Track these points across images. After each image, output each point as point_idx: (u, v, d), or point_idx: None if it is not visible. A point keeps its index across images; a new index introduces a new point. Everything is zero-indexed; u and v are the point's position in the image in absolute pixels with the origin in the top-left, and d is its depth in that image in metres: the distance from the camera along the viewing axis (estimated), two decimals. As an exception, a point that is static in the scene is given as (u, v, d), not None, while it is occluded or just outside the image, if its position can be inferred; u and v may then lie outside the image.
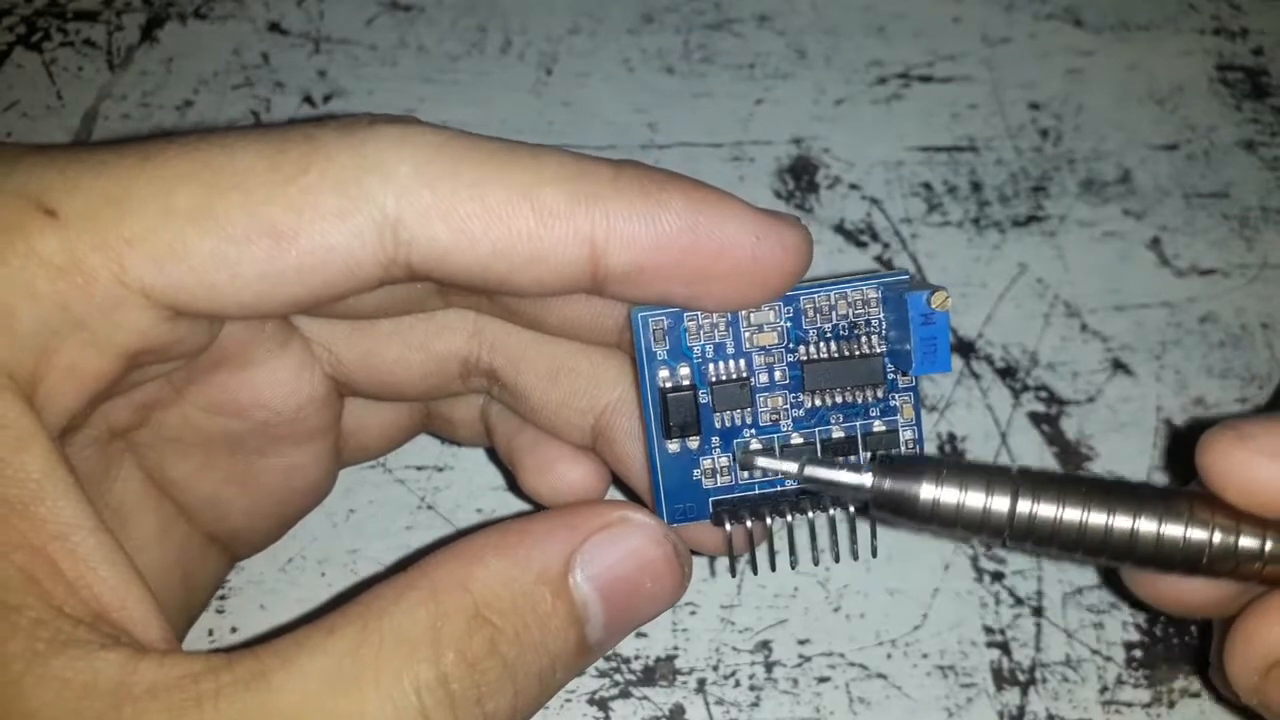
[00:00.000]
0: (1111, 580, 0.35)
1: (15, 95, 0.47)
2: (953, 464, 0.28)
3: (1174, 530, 0.27)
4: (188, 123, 0.47)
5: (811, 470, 0.28)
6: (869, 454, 0.29)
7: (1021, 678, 0.36)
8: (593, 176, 0.25)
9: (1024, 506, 0.27)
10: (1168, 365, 0.42)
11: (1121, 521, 0.27)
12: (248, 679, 0.22)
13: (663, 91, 0.49)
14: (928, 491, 0.27)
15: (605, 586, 0.26)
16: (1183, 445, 0.40)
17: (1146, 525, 0.27)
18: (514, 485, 0.38)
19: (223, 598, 0.36)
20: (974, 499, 0.27)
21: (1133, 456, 0.40)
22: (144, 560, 0.24)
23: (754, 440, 0.29)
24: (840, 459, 0.29)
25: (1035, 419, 0.41)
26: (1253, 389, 0.42)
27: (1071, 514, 0.28)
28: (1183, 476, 0.39)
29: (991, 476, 0.28)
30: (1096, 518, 0.27)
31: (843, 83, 0.49)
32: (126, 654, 0.22)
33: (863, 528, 0.30)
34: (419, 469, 0.39)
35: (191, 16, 0.50)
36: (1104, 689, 0.36)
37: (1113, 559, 0.28)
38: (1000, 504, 0.28)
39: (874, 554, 0.30)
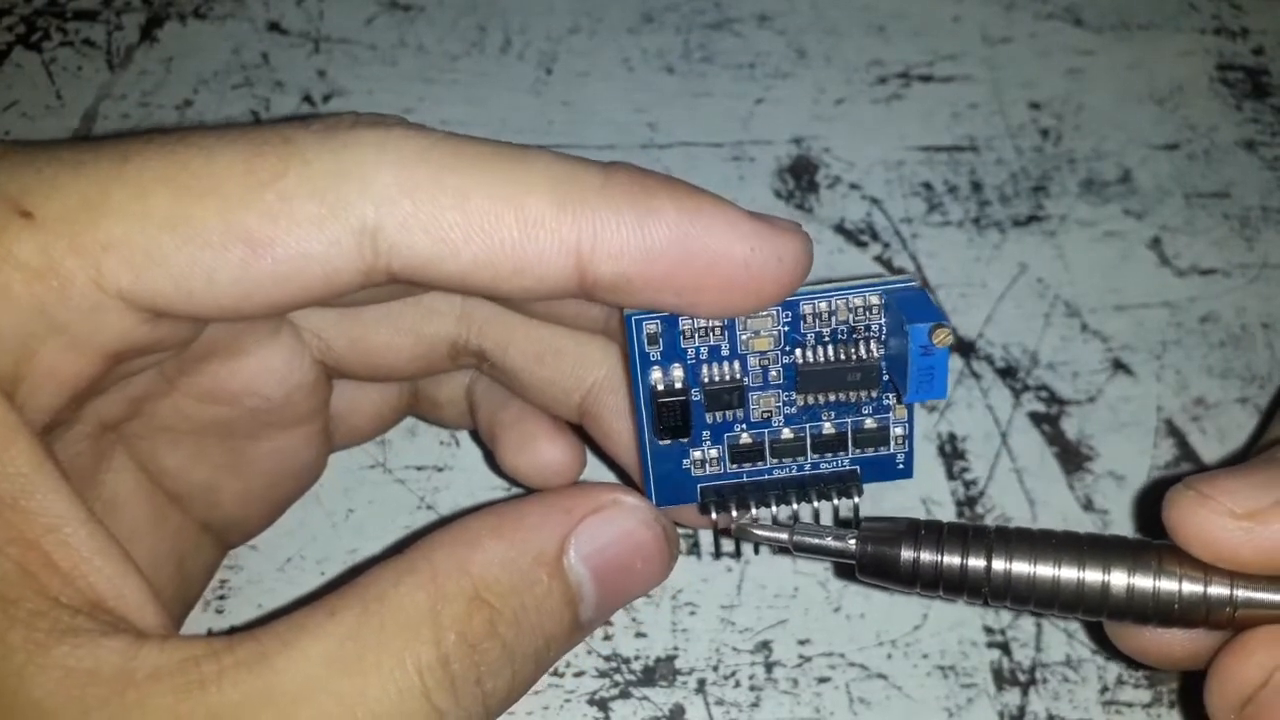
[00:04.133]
0: (1101, 639, 0.35)
1: (15, 95, 0.47)
2: (930, 525, 0.30)
3: (1144, 582, 0.28)
4: (187, 123, 0.47)
5: (800, 538, 0.30)
6: (853, 516, 0.30)
7: (1022, 678, 0.36)
8: (580, 182, 0.24)
9: (999, 564, 0.29)
10: (1168, 365, 0.42)
11: (1093, 575, 0.29)
12: (249, 661, 0.22)
13: (663, 91, 0.49)
14: (907, 554, 0.29)
15: (598, 568, 0.26)
16: (1153, 501, 0.39)
17: (1117, 578, 0.29)
18: (493, 464, 0.38)
19: (221, 598, 0.36)
20: (951, 559, 0.29)
21: (1133, 456, 0.40)
22: (138, 550, 0.25)
23: (744, 434, 0.29)
24: (826, 527, 0.30)
25: (1035, 419, 0.41)
26: (1253, 389, 0.42)
27: (1044, 570, 0.29)
28: (1156, 531, 0.39)
29: (968, 536, 0.29)
30: (1068, 572, 0.29)
31: (843, 82, 0.49)
32: (127, 640, 0.22)
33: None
34: (419, 469, 0.39)
35: (191, 16, 0.50)
36: (1104, 689, 0.36)
37: (1089, 613, 0.29)
38: (977, 562, 0.29)
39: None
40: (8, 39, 0.49)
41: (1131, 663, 0.32)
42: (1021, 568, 0.29)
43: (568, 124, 0.47)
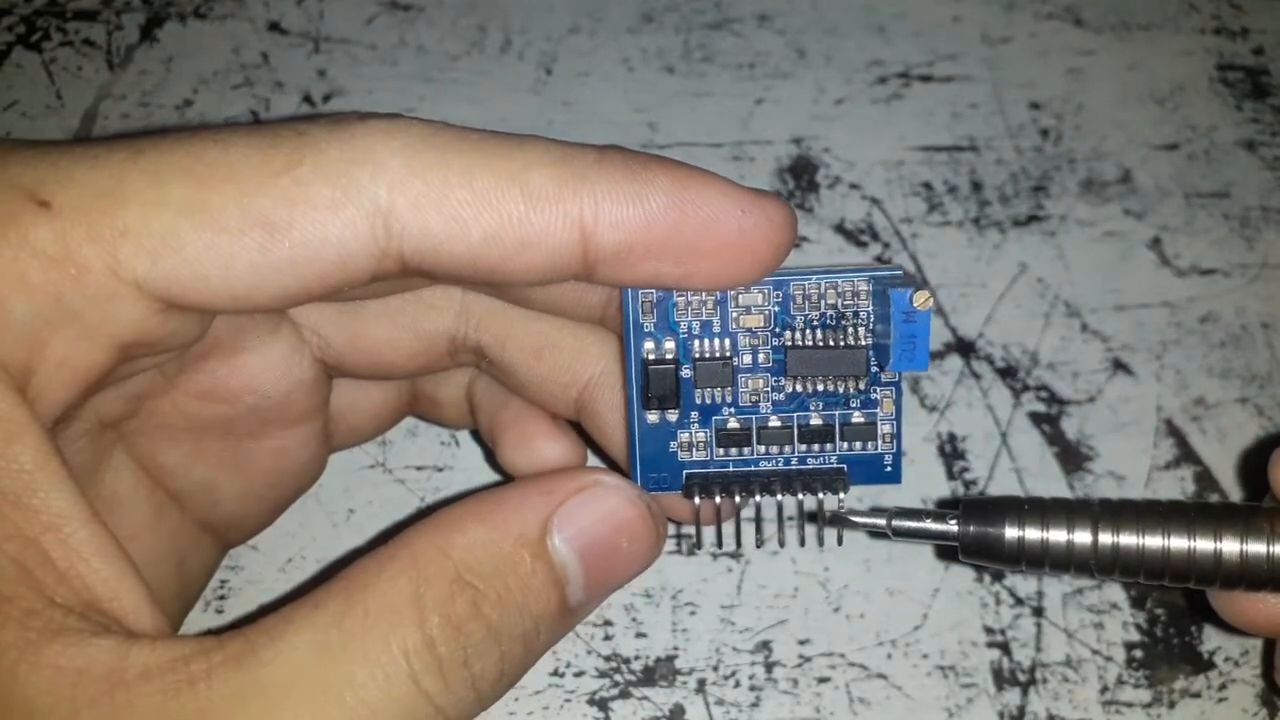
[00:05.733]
0: (1203, 608, 0.34)
1: (15, 95, 0.47)
2: (1033, 502, 0.29)
3: (1258, 548, 0.28)
4: (187, 123, 0.47)
5: (899, 523, 0.30)
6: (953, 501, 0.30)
7: (1022, 678, 0.36)
8: (578, 160, 0.25)
9: (1106, 537, 0.29)
10: (1168, 365, 0.42)
11: (1203, 544, 0.28)
12: (238, 657, 0.22)
13: (663, 91, 0.49)
14: (1011, 532, 0.29)
15: (583, 548, 0.26)
16: (1256, 461, 0.39)
17: (1229, 546, 0.28)
18: (494, 463, 0.38)
19: (222, 598, 0.36)
20: (1057, 535, 0.29)
21: (1133, 456, 0.40)
22: (137, 549, 0.25)
23: (732, 419, 0.29)
24: (926, 509, 0.30)
25: (1036, 419, 0.41)
26: (1253, 389, 0.42)
27: (1153, 540, 0.28)
28: (1254, 492, 0.39)
29: (1072, 511, 0.29)
30: (1178, 542, 0.28)
31: (843, 82, 0.49)
32: (118, 640, 0.22)
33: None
34: (419, 469, 0.39)
35: (191, 16, 0.50)
36: (1104, 689, 0.36)
37: (1200, 582, 0.29)
38: (1083, 537, 0.29)
39: (839, 542, 0.30)
40: (8, 39, 0.49)
41: (1230, 630, 0.32)
42: (1129, 540, 0.28)
43: (568, 124, 0.47)
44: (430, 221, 0.24)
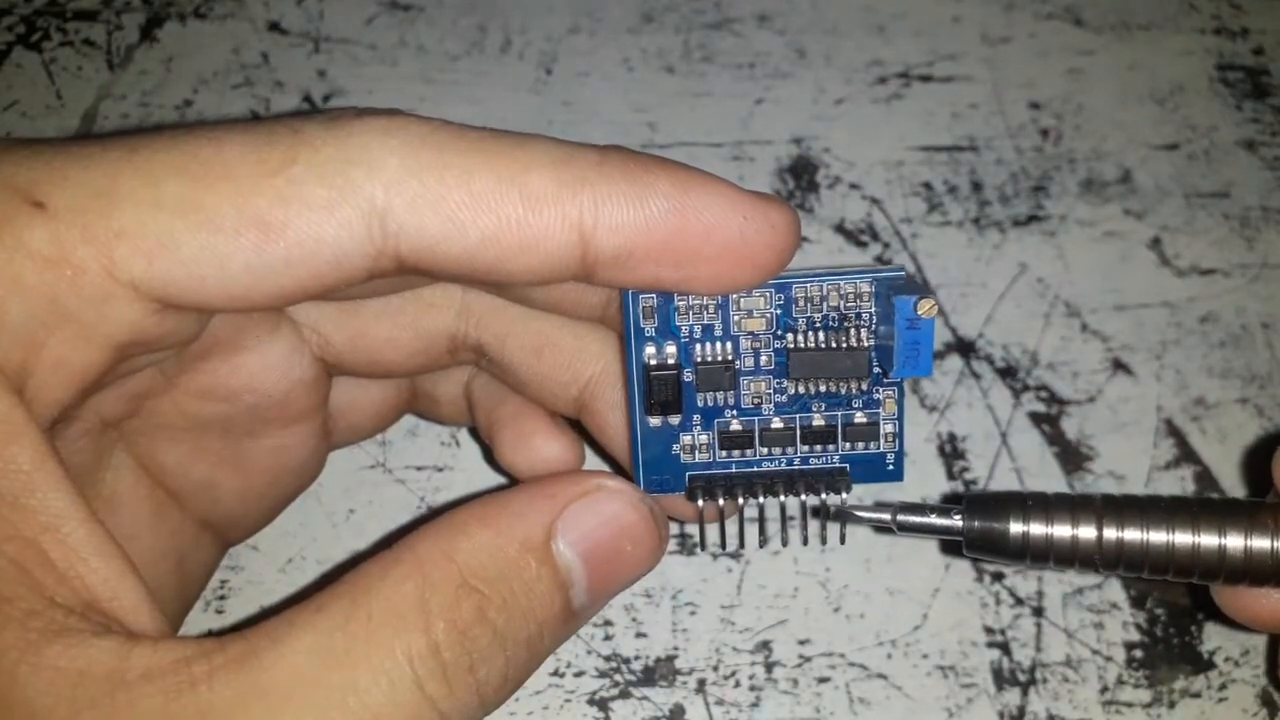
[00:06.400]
0: (1206, 604, 0.35)
1: (15, 95, 0.47)
2: (1037, 497, 0.29)
3: (1262, 543, 0.28)
4: (187, 122, 0.47)
5: (904, 518, 0.30)
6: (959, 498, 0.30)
7: (1022, 678, 0.36)
8: (579, 162, 0.25)
9: (1110, 532, 0.29)
10: (1168, 365, 0.42)
11: (1207, 539, 0.28)
12: (239, 659, 0.22)
13: (663, 91, 0.49)
14: (1016, 527, 0.29)
15: (587, 552, 0.26)
16: (1259, 458, 0.39)
17: (1234, 540, 0.28)
18: (493, 462, 0.38)
19: (222, 598, 0.36)
20: (1061, 530, 0.29)
21: (1133, 456, 0.40)
22: (137, 548, 0.24)
23: (734, 421, 0.29)
24: (930, 505, 0.30)
25: (1035, 419, 0.41)
26: (1253, 389, 0.42)
27: (1157, 535, 0.29)
28: (1255, 492, 0.39)
29: (1076, 506, 0.29)
30: (1182, 537, 0.28)
31: (843, 82, 0.49)
32: (119, 641, 0.22)
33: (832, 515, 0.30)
34: (419, 469, 0.39)
35: (191, 16, 0.50)
36: (1104, 689, 0.36)
37: (1204, 577, 0.29)
38: (1087, 532, 0.29)
39: (841, 540, 0.30)
40: (8, 39, 0.49)
41: (1233, 626, 0.32)
42: (1134, 535, 0.29)
43: (568, 124, 0.47)
44: (427, 222, 0.24)
